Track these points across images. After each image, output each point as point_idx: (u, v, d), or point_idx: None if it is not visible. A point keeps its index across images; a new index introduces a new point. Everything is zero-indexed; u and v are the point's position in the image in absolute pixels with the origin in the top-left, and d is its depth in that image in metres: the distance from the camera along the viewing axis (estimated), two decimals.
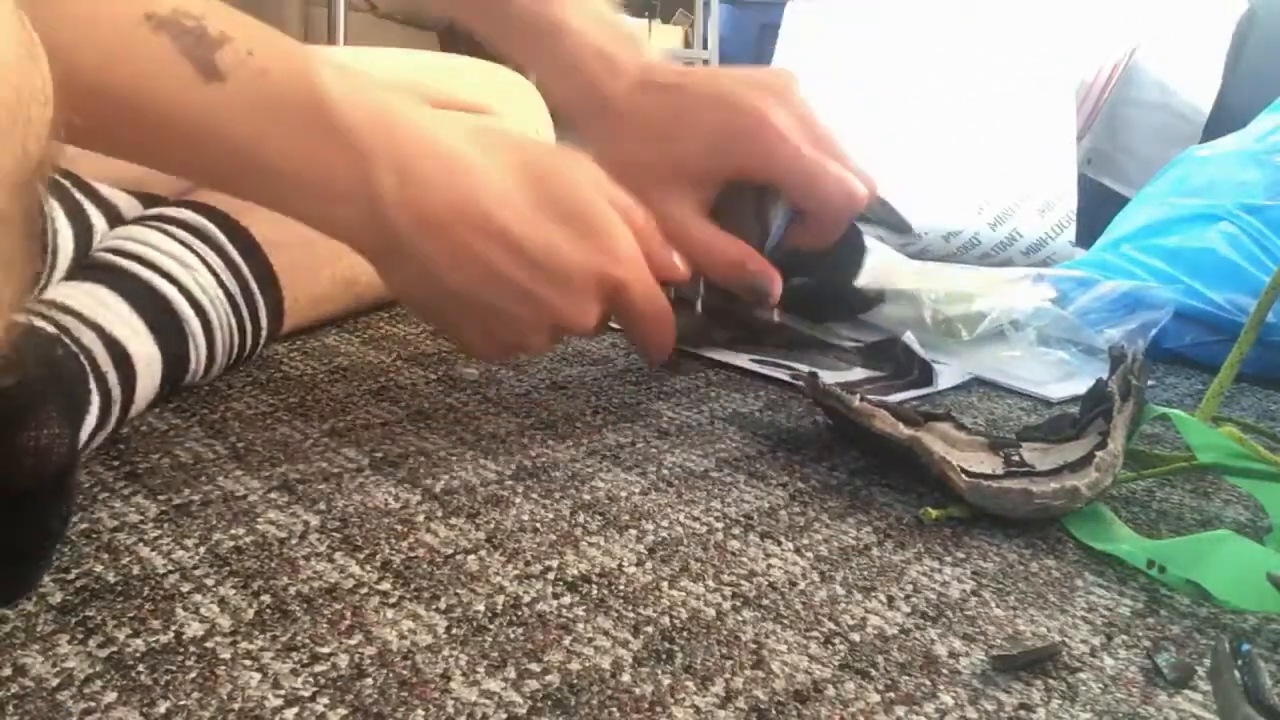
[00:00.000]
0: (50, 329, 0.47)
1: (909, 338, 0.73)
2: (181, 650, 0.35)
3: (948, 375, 0.72)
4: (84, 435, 0.46)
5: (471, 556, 0.43)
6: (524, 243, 0.47)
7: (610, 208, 0.51)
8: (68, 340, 0.47)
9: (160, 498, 0.46)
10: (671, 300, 0.55)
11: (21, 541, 0.38)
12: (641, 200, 0.54)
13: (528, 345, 0.52)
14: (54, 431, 0.37)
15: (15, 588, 0.38)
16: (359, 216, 0.46)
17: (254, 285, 0.60)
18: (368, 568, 0.42)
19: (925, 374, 0.71)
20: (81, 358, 0.47)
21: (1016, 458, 0.54)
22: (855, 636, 0.39)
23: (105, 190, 0.61)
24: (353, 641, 0.36)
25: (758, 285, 0.59)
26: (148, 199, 0.63)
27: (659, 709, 0.34)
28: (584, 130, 0.63)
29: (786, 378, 0.68)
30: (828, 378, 0.58)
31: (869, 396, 0.57)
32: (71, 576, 0.39)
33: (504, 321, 0.50)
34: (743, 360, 0.71)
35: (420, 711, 0.33)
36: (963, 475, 0.49)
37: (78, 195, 0.58)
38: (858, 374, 0.71)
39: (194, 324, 0.55)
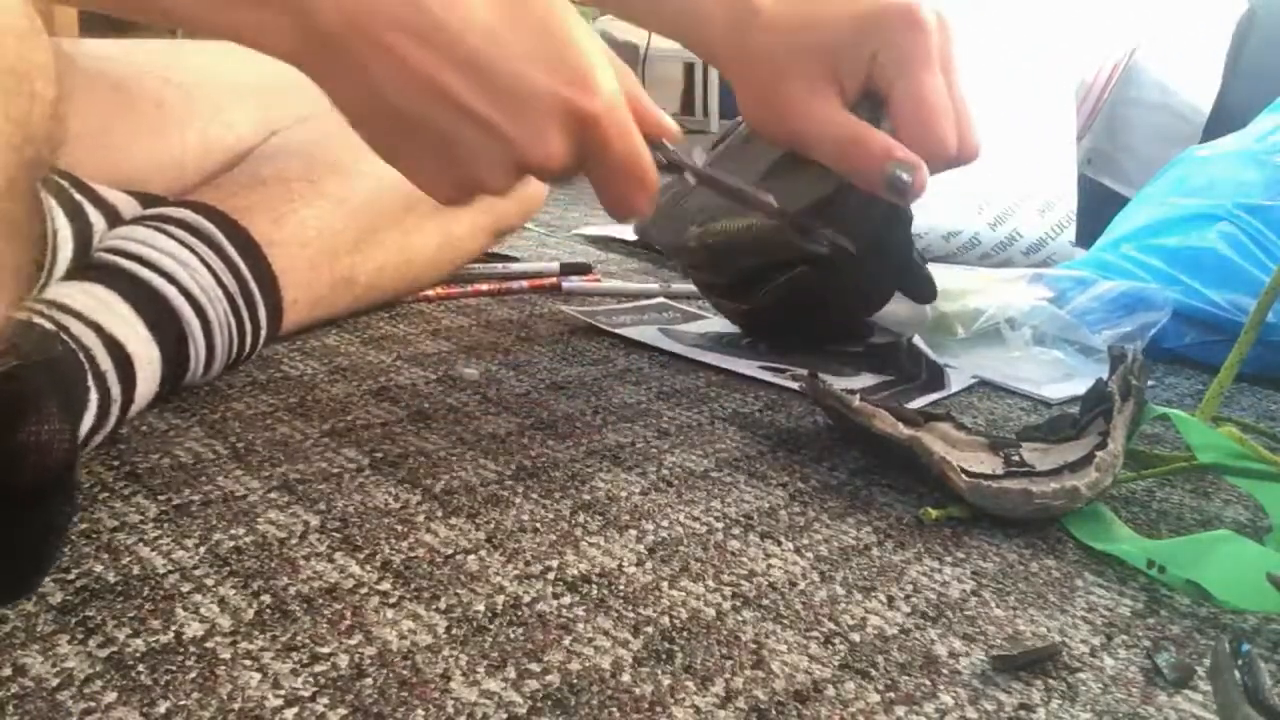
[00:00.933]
0: (49, 327, 0.47)
1: (917, 340, 0.73)
2: (181, 650, 0.35)
3: (957, 377, 0.72)
4: (83, 433, 0.46)
5: (471, 556, 0.43)
6: (478, 57, 0.42)
7: (593, 37, 0.45)
8: (66, 338, 0.47)
9: (160, 498, 0.46)
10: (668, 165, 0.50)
11: (25, 539, 0.38)
12: (783, 100, 0.53)
13: (484, 182, 0.46)
14: (55, 428, 0.37)
15: (20, 585, 0.38)
16: (286, 22, 0.40)
17: (253, 285, 0.60)
18: (368, 568, 0.42)
19: (935, 376, 0.70)
20: (80, 356, 0.47)
21: (1016, 458, 0.54)
22: (855, 636, 0.39)
23: (104, 191, 0.61)
24: (353, 641, 0.36)
25: (900, 173, 0.54)
26: (146, 199, 0.63)
27: (659, 709, 0.34)
28: (728, 45, 0.60)
29: (792, 385, 0.68)
30: (834, 384, 0.57)
31: (876, 399, 0.57)
32: (71, 576, 0.39)
33: (455, 150, 0.44)
34: (749, 368, 0.71)
35: (420, 711, 0.33)
36: (963, 475, 0.49)
37: (77, 196, 0.58)
38: (865, 380, 0.70)
39: (193, 324, 0.55)
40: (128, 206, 0.63)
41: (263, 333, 0.62)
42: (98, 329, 0.49)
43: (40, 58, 0.28)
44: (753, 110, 0.59)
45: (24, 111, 0.27)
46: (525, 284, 0.91)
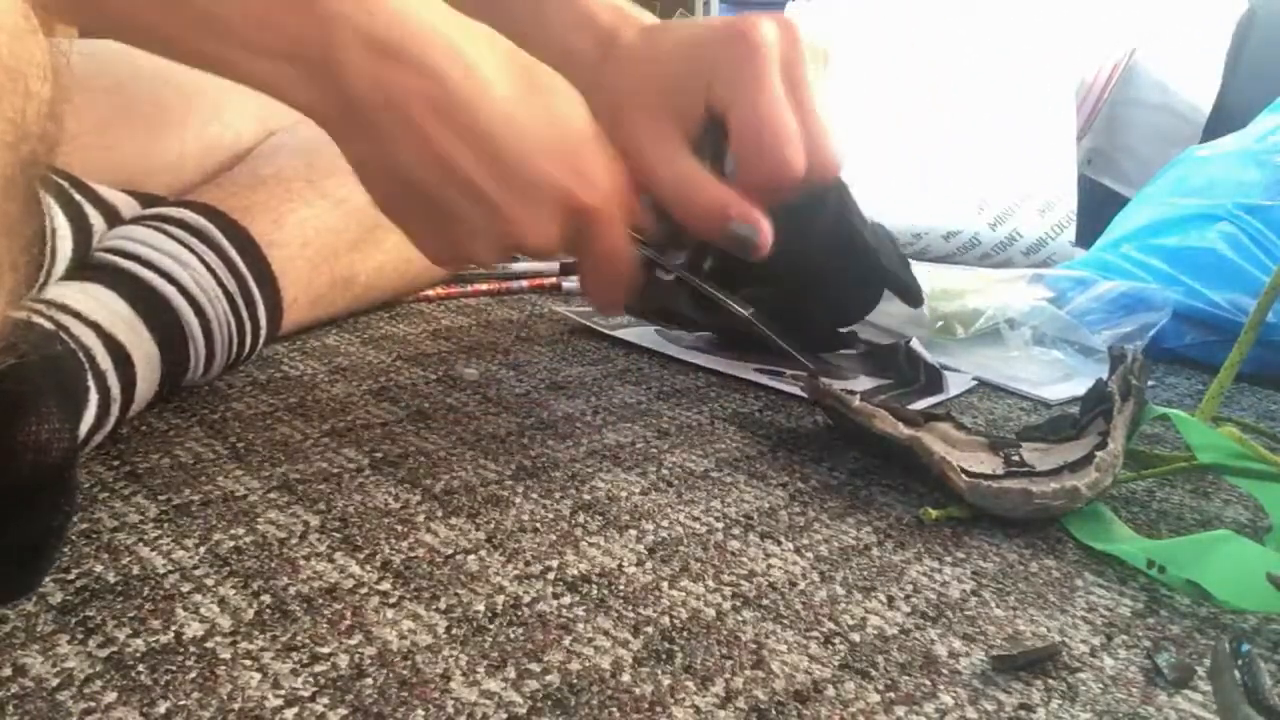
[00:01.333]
0: (48, 326, 0.47)
1: (915, 344, 0.73)
2: (181, 650, 0.35)
3: (956, 380, 0.72)
4: (83, 433, 0.46)
5: (471, 556, 0.43)
6: (493, 141, 0.43)
7: (598, 134, 0.47)
8: (66, 338, 0.47)
9: (160, 498, 0.46)
10: (644, 260, 0.51)
11: (24, 539, 0.38)
12: (624, 136, 0.50)
13: (476, 253, 0.47)
14: (54, 427, 0.37)
15: (19, 585, 0.38)
16: (312, 81, 0.41)
17: (252, 284, 0.60)
18: (368, 568, 0.42)
19: (934, 380, 0.70)
20: (80, 355, 0.47)
21: (1016, 458, 0.54)
22: (855, 636, 0.39)
23: (104, 191, 0.61)
24: (353, 641, 0.36)
25: (738, 232, 0.51)
26: (146, 199, 0.63)
27: (659, 709, 0.34)
28: (591, 81, 0.56)
29: (790, 388, 0.67)
30: (837, 389, 0.57)
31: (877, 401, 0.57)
32: (71, 576, 0.39)
33: (457, 223, 0.45)
34: (747, 372, 0.71)
35: (420, 711, 0.33)
36: (963, 475, 0.49)
37: (76, 196, 0.58)
38: (864, 384, 0.70)
39: (193, 323, 0.55)
40: (127, 207, 0.63)
41: (263, 332, 0.62)
42: (97, 328, 0.49)
43: (36, 56, 0.28)
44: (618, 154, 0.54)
45: (19, 109, 0.27)
46: (525, 284, 0.91)
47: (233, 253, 0.59)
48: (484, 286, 0.89)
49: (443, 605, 0.39)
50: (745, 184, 0.52)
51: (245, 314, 0.59)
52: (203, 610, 0.38)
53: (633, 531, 0.46)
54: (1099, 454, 0.50)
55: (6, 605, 0.37)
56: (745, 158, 0.51)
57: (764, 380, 0.69)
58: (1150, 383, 0.76)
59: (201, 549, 0.42)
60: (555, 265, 0.96)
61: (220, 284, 0.57)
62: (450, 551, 0.43)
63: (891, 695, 0.36)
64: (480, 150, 0.43)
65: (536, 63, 0.47)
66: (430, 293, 0.85)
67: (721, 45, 0.52)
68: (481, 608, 0.39)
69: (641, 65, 0.55)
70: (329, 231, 0.67)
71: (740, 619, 0.40)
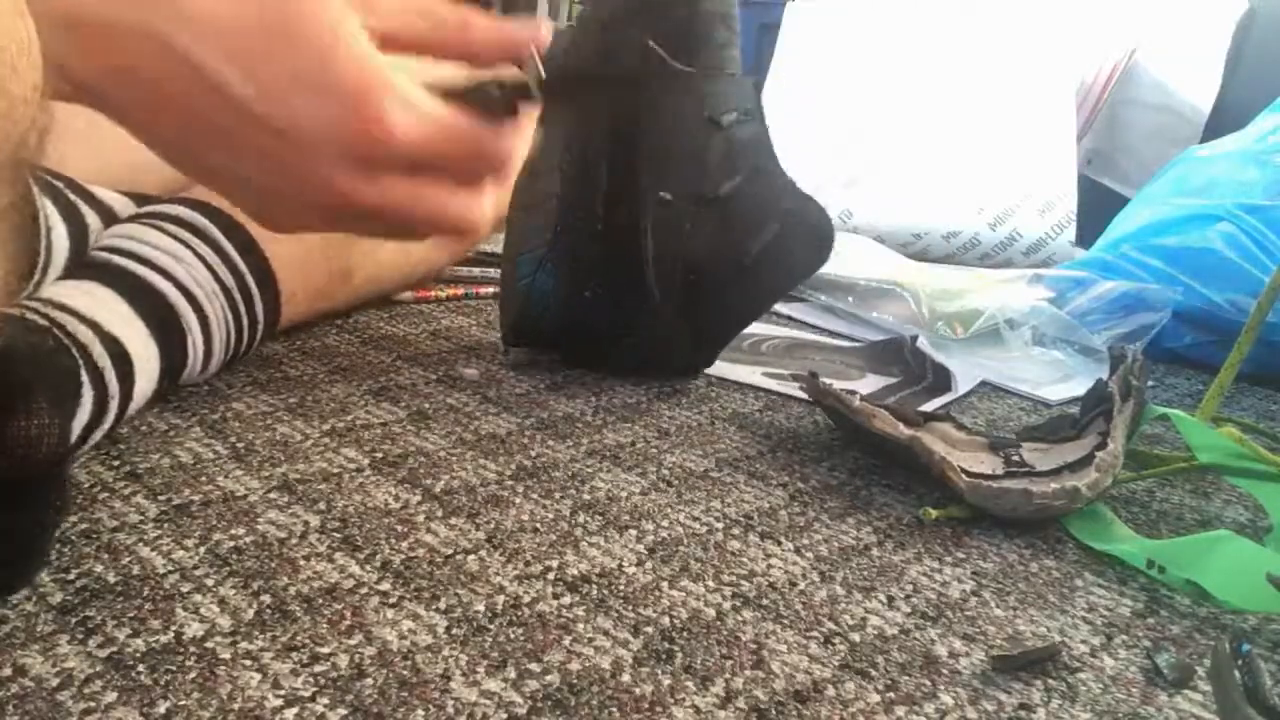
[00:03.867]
0: (42, 324, 0.47)
1: (922, 342, 0.73)
2: (181, 650, 0.35)
3: (964, 379, 0.71)
4: (79, 429, 0.46)
5: (471, 556, 0.43)
6: (249, 103, 0.35)
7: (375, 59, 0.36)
8: (60, 335, 0.47)
9: (160, 498, 0.46)
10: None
11: (15, 533, 0.38)
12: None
13: (307, 220, 0.40)
14: (43, 422, 0.37)
15: (12, 580, 0.37)
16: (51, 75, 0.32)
17: (250, 280, 0.60)
18: (368, 568, 0.41)
19: (941, 379, 0.70)
20: (74, 351, 0.47)
21: (1016, 458, 0.54)
22: (855, 636, 0.39)
23: (99, 191, 0.61)
24: (353, 641, 0.36)
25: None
26: (141, 198, 0.63)
27: (659, 709, 0.34)
28: None
29: (795, 393, 0.67)
30: (838, 387, 0.57)
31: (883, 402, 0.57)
32: (71, 576, 0.39)
33: (265, 193, 0.38)
34: (754, 377, 0.70)
35: (420, 711, 0.33)
36: (963, 475, 0.49)
37: (72, 196, 0.58)
38: (870, 382, 0.70)
39: (190, 319, 0.55)
40: (123, 206, 0.63)
41: (260, 327, 0.62)
42: (94, 326, 0.49)
43: (20, 34, 0.27)
44: None
45: (2, 87, 0.27)
46: None
47: (229, 248, 0.59)
48: (487, 290, 0.88)
49: (443, 605, 0.39)
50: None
51: (243, 309, 0.59)
52: (203, 610, 0.38)
53: (633, 531, 0.46)
54: (1099, 454, 0.50)
55: (4, 597, 0.37)
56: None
57: (768, 385, 0.69)
58: (1150, 383, 0.76)
59: (201, 549, 0.42)
60: None
61: (217, 279, 0.57)
62: (450, 551, 0.43)
63: (891, 695, 0.36)
64: (239, 111, 0.35)
65: None
66: (431, 293, 0.84)
67: None
68: (481, 608, 0.39)
69: None
70: None
71: (740, 619, 0.40)
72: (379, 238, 0.44)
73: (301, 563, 0.41)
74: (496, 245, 0.93)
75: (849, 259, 0.99)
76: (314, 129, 0.35)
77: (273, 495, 0.47)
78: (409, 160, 0.37)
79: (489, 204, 0.41)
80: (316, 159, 0.36)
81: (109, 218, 0.61)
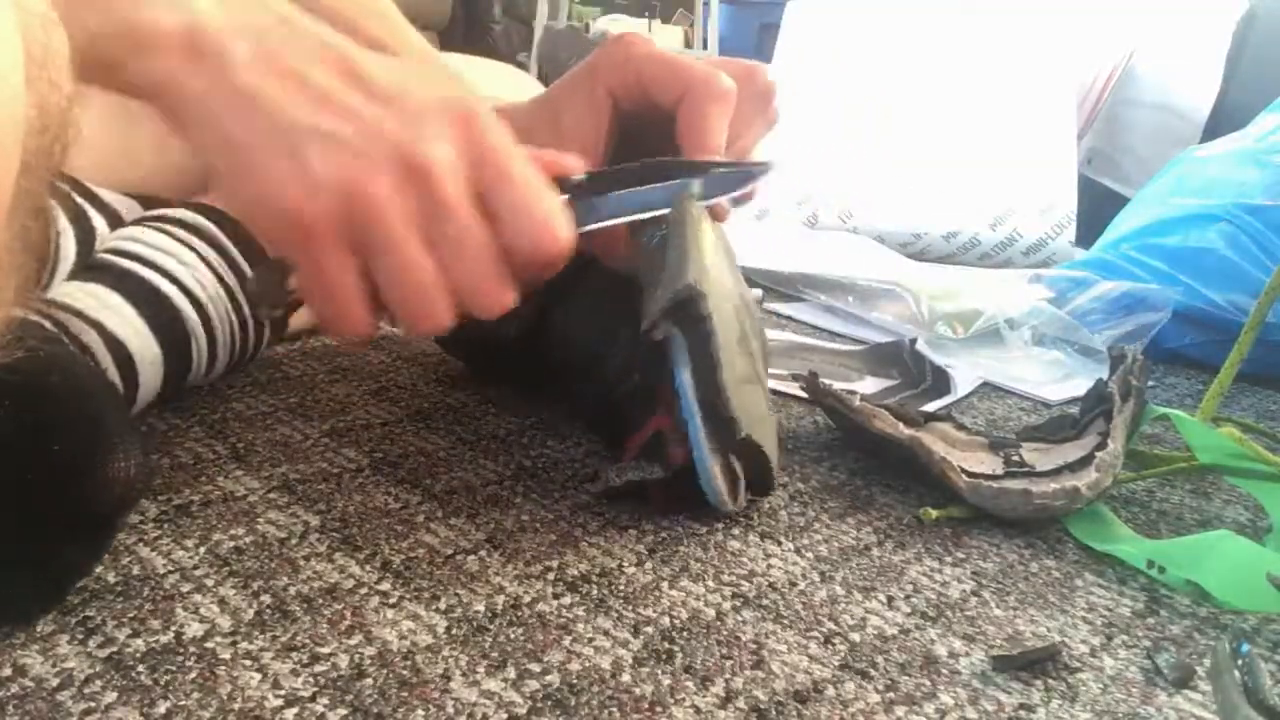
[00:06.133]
0: (49, 326, 0.47)
1: (921, 345, 0.73)
2: (181, 650, 0.35)
3: (963, 381, 0.71)
4: None
5: (471, 556, 0.43)
6: (374, 80, 0.38)
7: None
8: (66, 339, 0.47)
9: (160, 498, 0.46)
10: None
11: (71, 563, 0.37)
12: None
13: (357, 184, 0.37)
14: (141, 460, 0.37)
15: (40, 609, 0.37)
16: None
17: None
18: (368, 568, 0.42)
19: (941, 381, 0.70)
20: (79, 354, 0.47)
21: (1016, 458, 0.54)
22: (855, 636, 0.39)
23: (104, 194, 0.61)
24: (353, 641, 0.36)
25: None
26: (147, 201, 0.63)
27: (659, 709, 0.34)
28: None
29: (795, 391, 0.67)
30: (838, 389, 0.56)
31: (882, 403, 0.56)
32: None
33: (326, 148, 0.37)
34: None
35: (420, 711, 0.33)
36: (963, 475, 0.49)
37: (78, 199, 0.58)
38: (869, 384, 0.70)
39: (195, 322, 0.55)
40: (128, 209, 0.63)
41: (266, 330, 0.62)
42: (99, 327, 0.49)
43: (58, 46, 0.28)
44: None
45: (43, 96, 0.27)
46: None
47: (235, 252, 0.59)
48: None
49: (443, 605, 0.39)
50: (688, 124, 0.48)
51: (248, 312, 0.59)
52: (203, 610, 0.38)
53: (633, 531, 0.46)
54: (1099, 454, 0.50)
55: (33, 620, 0.37)
56: (679, 97, 0.49)
57: (770, 385, 0.68)
58: (1150, 383, 0.76)
59: (201, 549, 0.42)
60: None
61: (222, 282, 0.57)
62: (450, 551, 0.43)
63: (891, 695, 0.36)
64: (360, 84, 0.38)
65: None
66: None
67: (608, 53, 0.50)
68: (481, 608, 0.39)
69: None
70: None
71: (740, 619, 0.40)
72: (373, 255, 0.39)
73: (301, 563, 0.42)
74: None
75: (849, 259, 0.99)
76: (422, 102, 0.38)
77: (273, 495, 0.47)
78: (479, 182, 0.38)
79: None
80: (416, 122, 0.37)
81: (114, 221, 0.61)
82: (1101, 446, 0.51)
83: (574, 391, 0.58)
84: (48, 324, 0.47)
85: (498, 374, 0.65)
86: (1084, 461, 0.52)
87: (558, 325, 0.57)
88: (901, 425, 0.53)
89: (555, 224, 0.39)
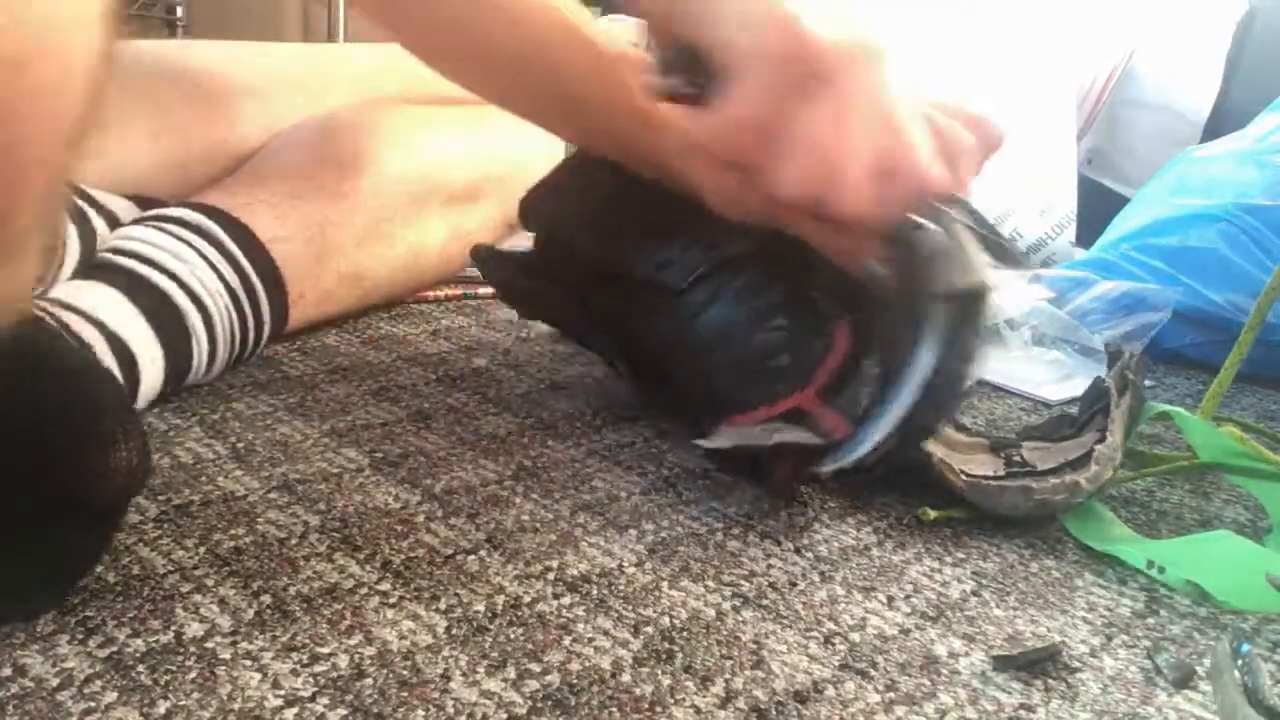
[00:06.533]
0: (51, 324, 0.47)
1: None
2: (181, 650, 0.35)
3: None
4: None
5: (471, 556, 0.43)
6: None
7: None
8: (67, 335, 0.47)
9: (160, 498, 0.46)
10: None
11: (64, 557, 0.37)
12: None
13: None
14: (143, 448, 0.37)
15: (46, 605, 0.37)
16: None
17: (255, 280, 0.59)
18: (368, 568, 0.42)
19: None
20: (80, 346, 0.47)
21: (1017, 458, 0.54)
22: (855, 636, 0.39)
23: (101, 196, 0.61)
24: (353, 641, 0.36)
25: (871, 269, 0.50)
26: (144, 202, 0.63)
27: (659, 709, 0.34)
28: None
29: None
30: None
31: None
32: None
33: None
34: None
35: (420, 711, 0.33)
36: (962, 476, 0.49)
37: (78, 200, 0.58)
38: None
39: (194, 318, 0.55)
40: (126, 211, 0.63)
41: (266, 328, 0.62)
42: (100, 325, 0.49)
43: (98, 42, 0.28)
44: None
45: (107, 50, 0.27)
46: None
47: (234, 249, 0.59)
48: (487, 290, 0.88)
49: (443, 605, 0.39)
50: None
51: (248, 309, 0.59)
52: (203, 610, 0.38)
53: (633, 531, 0.46)
54: (1098, 448, 0.50)
55: (30, 620, 0.37)
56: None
57: None
58: (1150, 383, 0.76)
59: (201, 549, 0.42)
60: None
61: (221, 279, 0.57)
62: (450, 551, 0.43)
63: (891, 695, 0.36)
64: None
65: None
66: (431, 294, 0.84)
67: None
68: (481, 608, 0.39)
69: None
70: (334, 226, 0.67)
71: (740, 619, 0.40)
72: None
73: (301, 563, 0.42)
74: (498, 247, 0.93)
75: None
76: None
77: (273, 495, 0.47)
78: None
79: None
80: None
81: (112, 222, 0.61)
82: (1101, 441, 0.51)
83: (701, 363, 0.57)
84: (49, 321, 0.47)
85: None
86: (1085, 458, 0.52)
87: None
88: None
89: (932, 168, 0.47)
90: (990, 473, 0.52)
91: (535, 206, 0.64)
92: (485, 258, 0.65)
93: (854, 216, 0.46)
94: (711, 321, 0.56)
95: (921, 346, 0.46)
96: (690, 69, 0.47)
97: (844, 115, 0.45)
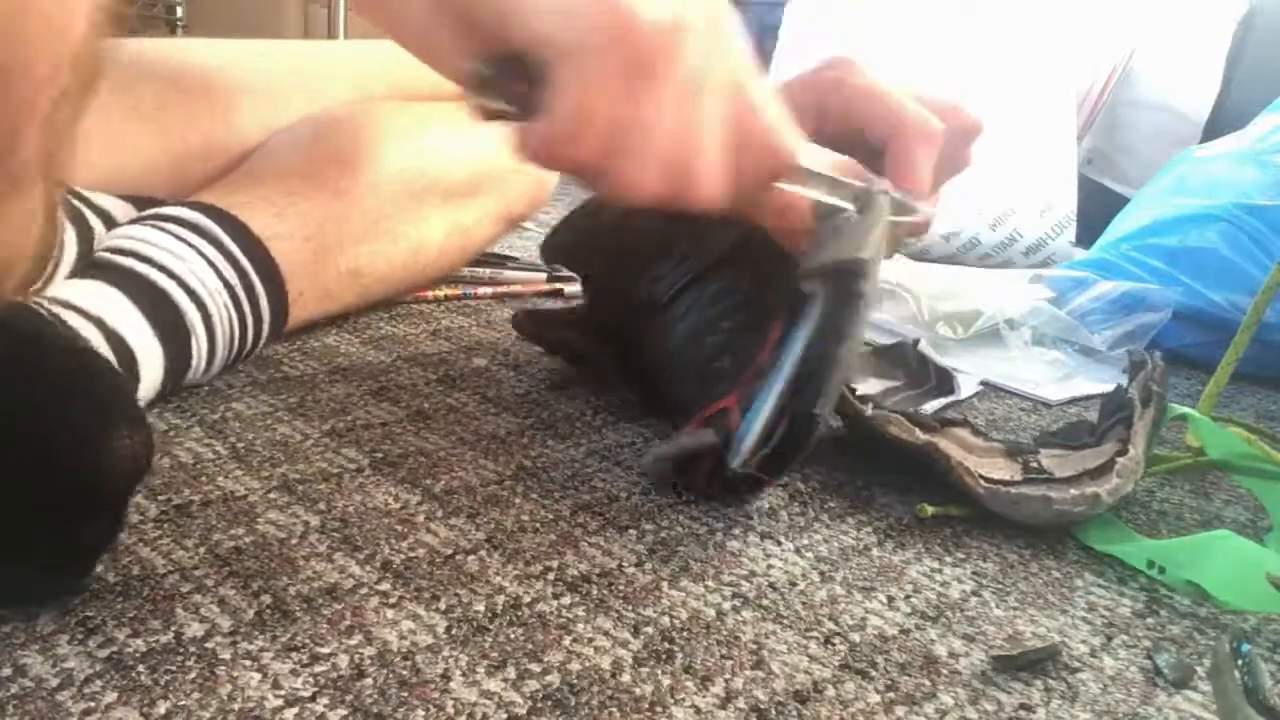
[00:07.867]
0: (49, 316, 0.47)
1: (924, 346, 0.73)
2: (181, 650, 0.35)
3: (966, 382, 0.71)
4: None
5: (471, 556, 0.43)
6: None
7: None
8: (64, 332, 0.47)
9: (160, 498, 0.46)
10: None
11: (76, 544, 0.37)
12: None
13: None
14: (146, 436, 0.37)
15: (57, 591, 0.37)
16: None
17: (254, 278, 0.59)
18: (368, 568, 0.42)
19: (945, 382, 0.70)
20: (81, 336, 0.47)
21: (1035, 464, 0.54)
22: (855, 636, 0.39)
23: (96, 196, 0.61)
24: (353, 641, 0.36)
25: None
26: (141, 202, 0.63)
27: (659, 709, 0.34)
28: None
29: None
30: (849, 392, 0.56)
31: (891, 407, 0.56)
32: None
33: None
34: None
35: (420, 711, 0.33)
36: (981, 481, 0.49)
37: (75, 201, 0.58)
38: (874, 385, 0.70)
39: (193, 317, 0.55)
40: (122, 211, 0.63)
41: (265, 326, 0.62)
42: (99, 323, 0.49)
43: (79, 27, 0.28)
44: None
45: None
46: (523, 287, 0.91)
47: (233, 246, 0.59)
48: (486, 290, 0.88)
49: (443, 605, 0.39)
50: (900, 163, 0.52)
51: (247, 307, 0.59)
52: (203, 610, 0.38)
53: (633, 531, 0.46)
54: (1120, 460, 0.50)
55: (47, 604, 0.37)
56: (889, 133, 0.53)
57: None
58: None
59: (201, 549, 0.42)
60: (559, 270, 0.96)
61: (221, 277, 0.57)
62: (450, 551, 0.43)
63: (891, 695, 0.36)
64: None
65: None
66: (430, 294, 0.84)
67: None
68: (481, 608, 0.39)
69: None
70: (332, 223, 0.66)
71: (740, 619, 0.40)
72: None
73: (301, 563, 0.41)
74: (496, 246, 0.93)
75: None
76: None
77: (273, 495, 0.47)
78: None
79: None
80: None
81: (108, 222, 0.61)
82: (1122, 453, 0.51)
83: (667, 376, 0.58)
84: (49, 320, 0.47)
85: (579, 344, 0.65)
86: (1105, 468, 0.51)
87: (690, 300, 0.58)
88: (918, 430, 0.53)
89: (784, 135, 0.44)
90: (1008, 477, 0.52)
91: (551, 242, 0.65)
92: (527, 325, 0.66)
93: (711, 201, 0.43)
94: (682, 331, 0.56)
95: (797, 326, 0.46)
96: (511, 80, 0.42)
97: (683, 96, 0.41)
